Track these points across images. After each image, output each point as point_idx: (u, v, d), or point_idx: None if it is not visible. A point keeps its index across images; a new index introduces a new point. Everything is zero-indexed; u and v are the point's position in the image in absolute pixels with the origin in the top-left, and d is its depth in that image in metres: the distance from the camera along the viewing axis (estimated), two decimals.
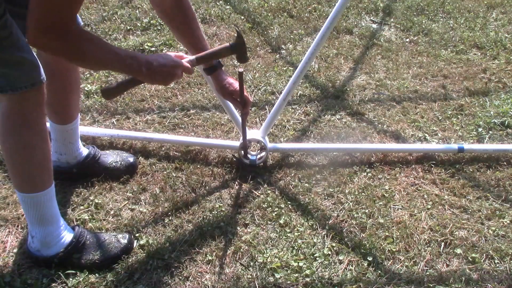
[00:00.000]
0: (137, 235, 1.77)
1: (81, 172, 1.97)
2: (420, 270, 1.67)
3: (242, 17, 3.28)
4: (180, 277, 1.64)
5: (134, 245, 1.73)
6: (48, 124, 1.85)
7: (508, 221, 1.86)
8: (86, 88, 2.54)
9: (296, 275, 1.64)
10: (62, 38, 1.22)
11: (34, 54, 1.43)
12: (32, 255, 1.64)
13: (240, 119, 2.04)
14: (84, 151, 1.98)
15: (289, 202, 1.93)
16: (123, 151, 2.10)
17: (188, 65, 1.53)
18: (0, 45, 1.32)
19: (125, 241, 1.70)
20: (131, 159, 2.04)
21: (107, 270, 1.64)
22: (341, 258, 1.71)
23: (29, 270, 1.64)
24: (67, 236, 1.65)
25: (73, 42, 1.25)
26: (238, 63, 1.77)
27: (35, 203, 1.56)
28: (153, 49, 2.87)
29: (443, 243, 1.76)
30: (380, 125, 2.36)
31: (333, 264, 1.69)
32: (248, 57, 1.71)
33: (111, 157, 2.02)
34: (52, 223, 1.61)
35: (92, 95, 2.50)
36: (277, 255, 1.70)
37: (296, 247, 1.74)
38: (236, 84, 1.77)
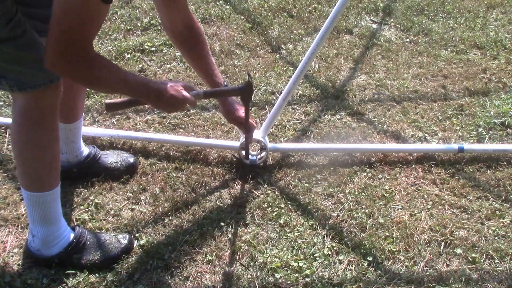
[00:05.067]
0: (137, 235, 1.77)
1: (81, 172, 1.97)
2: (420, 270, 1.67)
3: (242, 17, 3.28)
4: (180, 277, 1.64)
5: (135, 245, 1.73)
6: None
7: (508, 221, 1.86)
8: (86, 88, 2.53)
9: (296, 275, 1.64)
10: (78, 62, 1.24)
11: None
12: (32, 255, 1.64)
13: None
14: (85, 150, 1.98)
15: (289, 202, 1.93)
16: (123, 151, 2.10)
17: (193, 99, 1.55)
18: (16, 43, 1.32)
19: (125, 241, 1.70)
20: (131, 160, 2.04)
21: (107, 270, 1.64)
22: (341, 258, 1.71)
23: (29, 270, 1.64)
24: (68, 236, 1.65)
25: (88, 67, 1.27)
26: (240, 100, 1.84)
27: (40, 203, 1.56)
28: (153, 49, 2.87)
29: (443, 243, 1.76)
30: (380, 125, 2.36)
31: (333, 264, 1.69)
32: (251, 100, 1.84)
33: (111, 157, 2.03)
34: (54, 223, 1.61)
35: (92, 95, 2.50)
36: (277, 255, 1.70)
37: (296, 247, 1.74)
38: (241, 111, 1.84)
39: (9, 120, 2.27)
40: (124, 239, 1.70)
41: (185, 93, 1.51)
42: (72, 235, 1.65)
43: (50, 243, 1.61)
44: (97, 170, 1.99)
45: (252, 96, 1.74)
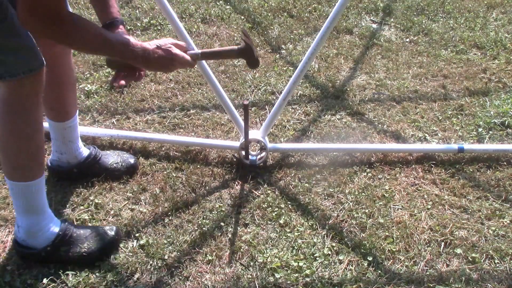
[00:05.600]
0: (137, 235, 1.77)
1: (81, 172, 1.97)
2: (420, 270, 1.67)
3: (242, 17, 3.28)
4: (180, 277, 1.64)
5: (135, 245, 1.73)
6: (46, 124, 1.86)
7: (508, 221, 1.86)
8: (86, 88, 2.54)
9: (296, 275, 1.64)
10: (50, 21, 1.23)
11: (33, 39, 1.41)
12: (18, 246, 1.63)
13: (240, 119, 2.04)
14: (85, 151, 1.98)
15: (289, 202, 1.93)
16: (124, 152, 2.10)
17: (189, 58, 1.50)
18: None
19: (113, 233, 1.70)
20: (131, 160, 2.04)
21: (107, 270, 1.64)
22: (341, 258, 1.71)
23: (29, 270, 1.64)
24: (54, 229, 1.64)
25: (60, 24, 1.25)
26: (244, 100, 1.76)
27: (24, 192, 1.56)
28: None
29: (443, 243, 1.76)
30: (380, 125, 2.36)
31: (333, 264, 1.69)
32: (259, 61, 1.66)
33: (111, 158, 2.02)
34: (38, 214, 1.61)
35: (92, 95, 2.50)
36: (277, 255, 1.70)
37: (296, 247, 1.74)
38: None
39: None
40: (111, 230, 1.71)
41: (176, 51, 1.47)
42: (57, 229, 1.65)
43: (35, 234, 1.61)
44: (98, 171, 1.98)
45: (256, 55, 1.59)
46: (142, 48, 1.41)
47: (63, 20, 1.26)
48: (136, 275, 1.63)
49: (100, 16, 1.58)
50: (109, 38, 1.36)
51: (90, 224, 1.81)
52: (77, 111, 1.91)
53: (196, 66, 1.70)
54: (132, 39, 1.42)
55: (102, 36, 1.34)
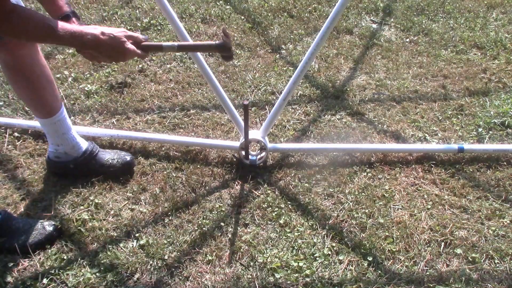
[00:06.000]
0: (137, 235, 1.77)
1: (77, 168, 1.98)
2: (420, 270, 1.67)
3: (242, 17, 3.28)
4: (180, 277, 1.64)
5: (135, 245, 1.73)
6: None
7: (508, 221, 1.86)
8: (86, 88, 2.54)
9: (296, 275, 1.64)
10: None
11: None
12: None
13: (240, 119, 2.04)
14: (83, 145, 2.00)
15: (289, 202, 1.93)
16: (121, 150, 2.10)
17: (138, 51, 1.50)
18: None
19: (51, 228, 1.73)
20: (128, 158, 2.05)
21: (107, 270, 1.64)
22: (341, 258, 1.71)
23: (29, 270, 1.64)
24: None
25: (6, 19, 1.28)
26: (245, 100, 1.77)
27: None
28: None
29: (443, 243, 1.76)
30: (380, 125, 2.36)
31: (333, 264, 1.69)
32: (233, 56, 1.70)
33: (108, 155, 2.04)
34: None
35: (92, 95, 2.50)
36: (277, 255, 1.70)
37: (296, 247, 1.74)
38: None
39: (9, 120, 2.27)
40: (49, 226, 1.74)
41: (130, 46, 1.47)
42: None
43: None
44: (94, 167, 2.00)
45: (231, 53, 1.62)
46: (92, 35, 1.42)
47: (10, 13, 1.28)
48: (136, 275, 1.63)
49: (50, 12, 1.61)
50: (54, 26, 1.37)
51: (91, 225, 1.81)
52: (62, 103, 1.91)
53: (196, 66, 1.71)
54: (81, 27, 1.43)
55: (47, 26, 1.35)
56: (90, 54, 1.49)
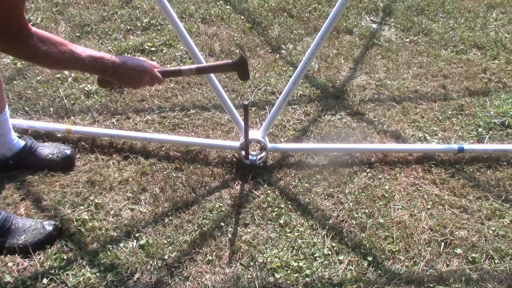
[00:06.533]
0: (137, 235, 1.77)
1: (17, 164, 2.00)
2: (420, 270, 1.67)
3: (242, 17, 3.28)
4: (180, 277, 1.64)
5: (134, 245, 1.73)
6: None
7: (508, 221, 1.86)
8: (86, 88, 2.54)
9: (296, 275, 1.64)
10: (12, 41, 1.27)
11: None
12: None
13: (240, 119, 2.04)
14: (20, 142, 2.01)
15: (289, 202, 1.93)
16: (61, 144, 2.12)
17: (158, 74, 1.55)
18: None
19: (50, 228, 1.73)
20: (68, 151, 2.06)
21: (107, 270, 1.64)
22: (341, 258, 1.71)
23: (29, 270, 1.64)
24: None
25: (24, 44, 1.29)
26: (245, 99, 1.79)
27: None
28: (153, 49, 2.87)
29: (443, 243, 1.76)
30: (380, 125, 2.36)
31: (333, 264, 1.69)
32: (249, 75, 1.74)
33: (48, 149, 2.05)
34: None
35: (92, 95, 2.50)
36: (277, 255, 1.70)
37: (296, 247, 1.74)
38: None
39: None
40: (49, 225, 1.74)
41: (147, 65, 1.51)
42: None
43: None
44: (34, 162, 2.01)
45: (248, 71, 1.69)
46: (112, 61, 1.45)
47: (27, 36, 1.29)
48: (136, 275, 1.63)
49: None
50: (77, 51, 1.38)
51: (91, 225, 1.81)
52: (6, 105, 1.92)
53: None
54: (102, 53, 1.45)
55: (71, 51, 1.37)
56: (109, 82, 1.53)
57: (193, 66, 1.60)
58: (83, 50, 1.41)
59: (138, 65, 1.50)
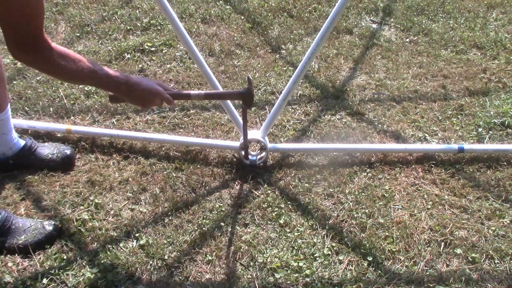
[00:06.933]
0: (137, 235, 1.77)
1: (17, 163, 2.00)
2: (420, 270, 1.67)
3: (242, 17, 3.28)
4: (180, 277, 1.64)
5: (134, 245, 1.73)
6: None
7: (508, 221, 1.86)
8: (86, 88, 2.54)
9: (296, 275, 1.64)
10: (31, 53, 1.35)
11: None
12: None
13: (240, 119, 2.04)
14: (21, 142, 2.01)
15: (289, 202, 1.93)
16: (61, 144, 2.12)
17: (169, 97, 1.61)
18: None
19: (50, 228, 1.73)
20: (68, 151, 2.06)
21: (107, 270, 1.64)
22: (341, 258, 1.71)
23: (29, 270, 1.64)
24: None
25: (43, 57, 1.36)
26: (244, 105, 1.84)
27: None
28: (153, 49, 2.87)
29: (443, 243, 1.76)
30: (380, 125, 2.36)
31: (333, 264, 1.69)
32: (253, 104, 1.86)
33: (47, 149, 2.05)
34: None
35: (92, 95, 2.50)
36: (277, 255, 1.70)
37: (296, 247, 1.74)
38: None
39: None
40: (49, 225, 1.74)
41: (159, 89, 1.57)
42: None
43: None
44: (34, 162, 2.01)
45: (253, 100, 1.78)
46: (126, 80, 1.51)
47: (47, 50, 1.36)
48: (136, 275, 1.63)
49: None
50: (95, 69, 1.45)
51: (91, 225, 1.81)
52: (9, 104, 1.93)
53: (196, 66, 1.73)
54: (118, 72, 1.51)
55: (89, 67, 1.44)
56: (120, 99, 1.61)
57: (202, 92, 1.67)
58: (100, 68, 1.47)
59: (153, 88, 1.56)
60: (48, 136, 2.23)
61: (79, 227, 1.79)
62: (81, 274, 1.62)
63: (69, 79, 1.62)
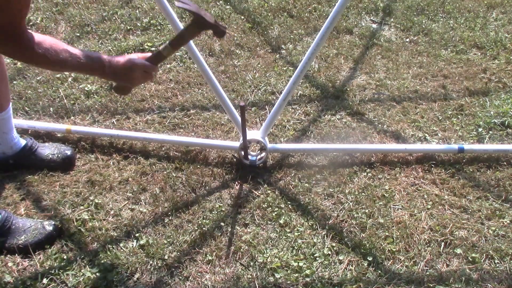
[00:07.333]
0: (137, 235, 1.77)
1: (17, 163, 2.00)
2: (420, 270, 1.67)
3: (242, 17, 3.28)
4: (180, 277, 1.64)
5: (134, 245, 1.73)
6: None
7: (508, 221, 1.86)
8: (86, 88, 2.54)
9: (296, 275, 1.64)
10: (10, 40, 1.28)
11: None
12: None
13: (240, 119, 2.04)
14: (21, 142, 2.01)
15: (289, 202, 1.93)
16: (61, 144, 2.12)
17: (148, 63, 1.53)
18: None
19: (50, 228, 1.73)
20: (68, 152, 2.06)
21: (107, 270, 1.64)
22: (341, 258, 1.71)
23: (29, 270, 1.64)
24: None
25: (22, 44, 1.30)
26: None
27: None
28: (153, 49, 2.87)
29: (443, 243, 1.76)
30: (380, 125, 2.36)
31: (333, 264, 1.69)
32: (225, 28, 1.63)
33: (48, 150, 2.05)
34: None
35: (92, 95, 2.50)
36: (277, 255, 1.70)
37: (296, 247, 1.74)
38: None
39: None
40: (49, 225, 1.74)
41: (134, 57, 1.51)
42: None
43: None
44: (34, 162, 2.01)
45: (210, 19, 1.59)
46: (108, 60, 1.46)
47: (24, 38, 1.30)
48: (136, 275, 1.63)
49: None
50: (75, 52, 1.40)
51: (91, 225, 1.81)
52: (10, 103, 1.93)
53: (196, 66, 1.69)
54: (98, 53, 1.47)
55: (68, 51, 1.38)
56: (125, 88, 1.57)
57: (167, 43, 1.57)
58: (79, 50, 1.42)
59: (128, 61, 1.49)
60: (48, 136, 2.23)
61: (79, 227, 1.79)
62: (81, 274, 1.62)
63: (48, 66, 1.54)
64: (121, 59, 1.49)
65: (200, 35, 1.61)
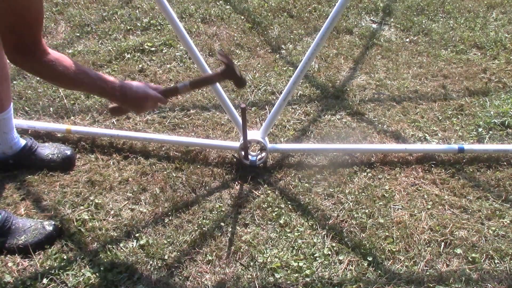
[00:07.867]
0: (137, 235, 1.77)
1: (17, 163, 2.00)
2: (420, 270, 1.67)
3: (242, 17, 3.28)
4: (180, 277, 1.64)
5: (134, 245, 1.73)
6: None
7: (508, 221, 1.86)
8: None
9: (296, 275, 1.64)
10: (29, 58, 1.34)
11: None
12: None
13: (240, 119, 2.04)
14: (21, 142, 2.01)
15: (289, 202, 1.93)
16: (61, 144, 2.12)
17: (161, 96, 1.58)
18: None
19: (50, 228, 1.73)
20: (68, 152, 2.06)
21: (107, 270, 1.64)
22: (341, 258, 1.71)
23: (29, 270, 1.64)
24: None
25: (40, 62, 1.35)
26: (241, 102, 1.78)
27: None
28: (153, 49, 2.87)
29: (443, 243, 1.76)
30: (380, 125, 2.36)
31: (333, 264, 1.69)
32: (246, 80, 1.69)
33: (48, 149, 2.05)
34: None
35: (92, 95, 2.50)
36: (277, 255, 1.70)
37: (296, 247, 1.74)
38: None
39: None
40: (49, 225, 1.74)
41: (150, 90, 1.55)
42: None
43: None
44: (34, 162, 2.01)
45: (238, 72, 1.63)
46: (119, 85, 1.49)
47: (44, 54, 1.35)
48: (136, 275, 1.63)
49: None
50: (90, 74, 1.44)
51: (91, 225, 1.81)
52: (11, 103, 1.93)
53: (196, 66, 1.70)
54: (111, 77, 1.50)
55: (84, 72, 1.43)
56: (121, 110, 1.60)
57: (187, 82, 1.62)
58: (95, 73, 1.47)
59: (144, 91, 1.53)
60: (48, 136, 2.23)
61: (79, 227, 1.79)
62: (81, 274, 1.62)
63: (65, 85, 1.60)
64: (135, 88, 1.52)
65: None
